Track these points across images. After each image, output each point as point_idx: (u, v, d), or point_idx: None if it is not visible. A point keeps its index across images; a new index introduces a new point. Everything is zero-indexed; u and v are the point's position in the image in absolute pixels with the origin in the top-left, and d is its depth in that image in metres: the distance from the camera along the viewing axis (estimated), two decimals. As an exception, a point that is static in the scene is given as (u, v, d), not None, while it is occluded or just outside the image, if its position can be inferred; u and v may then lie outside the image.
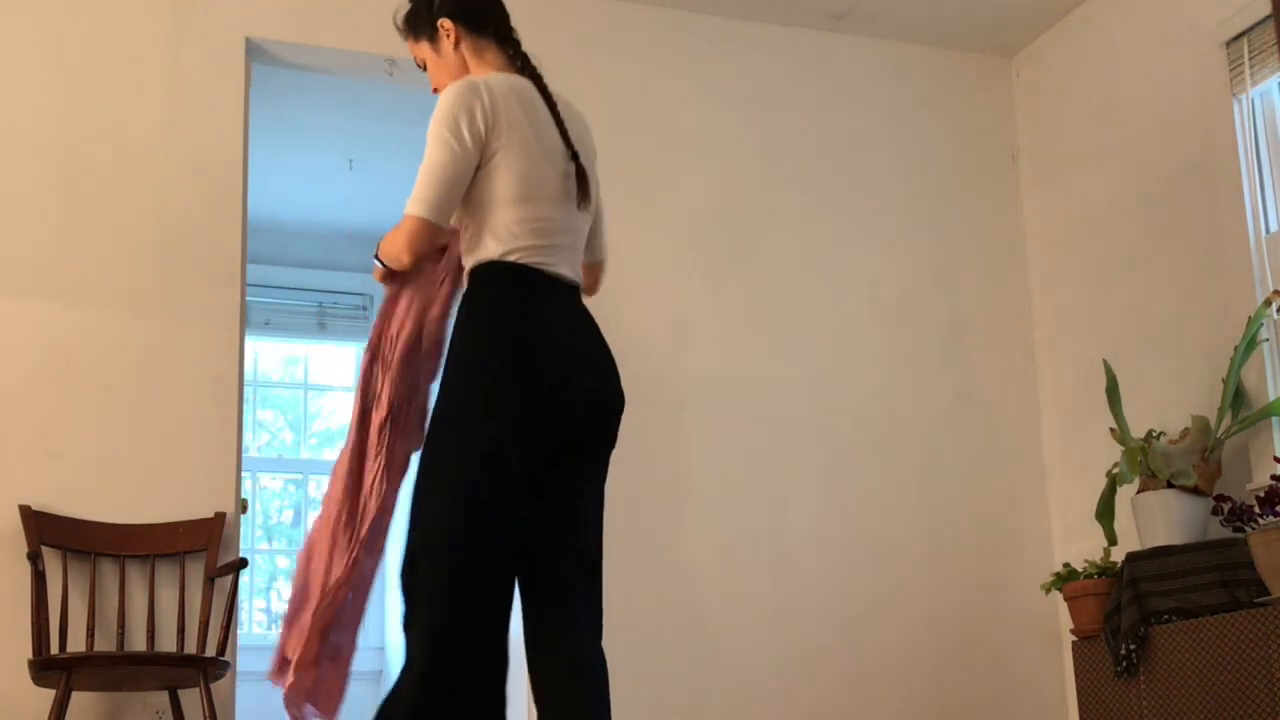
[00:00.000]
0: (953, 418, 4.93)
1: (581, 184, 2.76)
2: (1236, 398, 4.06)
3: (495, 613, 2.55)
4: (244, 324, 4.26)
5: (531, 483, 2.60)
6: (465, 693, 2.51)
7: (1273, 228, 4.17)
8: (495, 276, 2.66)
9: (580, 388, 2.67)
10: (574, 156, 2.78)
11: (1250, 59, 4.21)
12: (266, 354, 6.97)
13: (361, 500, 2.68)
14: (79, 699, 3.71)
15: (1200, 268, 4.36)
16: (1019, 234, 5.20)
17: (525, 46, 2.89)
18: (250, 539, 6.54)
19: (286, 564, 6.88)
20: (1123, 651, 3.90)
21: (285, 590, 6.87)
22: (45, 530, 3.81)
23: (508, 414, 2.55)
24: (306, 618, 2.62)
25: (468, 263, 2.71)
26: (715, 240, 4.80)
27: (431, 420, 2.64)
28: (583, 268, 2.89)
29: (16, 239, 4.05)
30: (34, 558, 3.69)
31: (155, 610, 3.89)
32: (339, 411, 6.98)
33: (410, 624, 2.55)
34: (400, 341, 2.74)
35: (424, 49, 2.88)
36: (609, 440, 2.78)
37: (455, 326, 2.69)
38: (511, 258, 2.65)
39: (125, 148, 4.20)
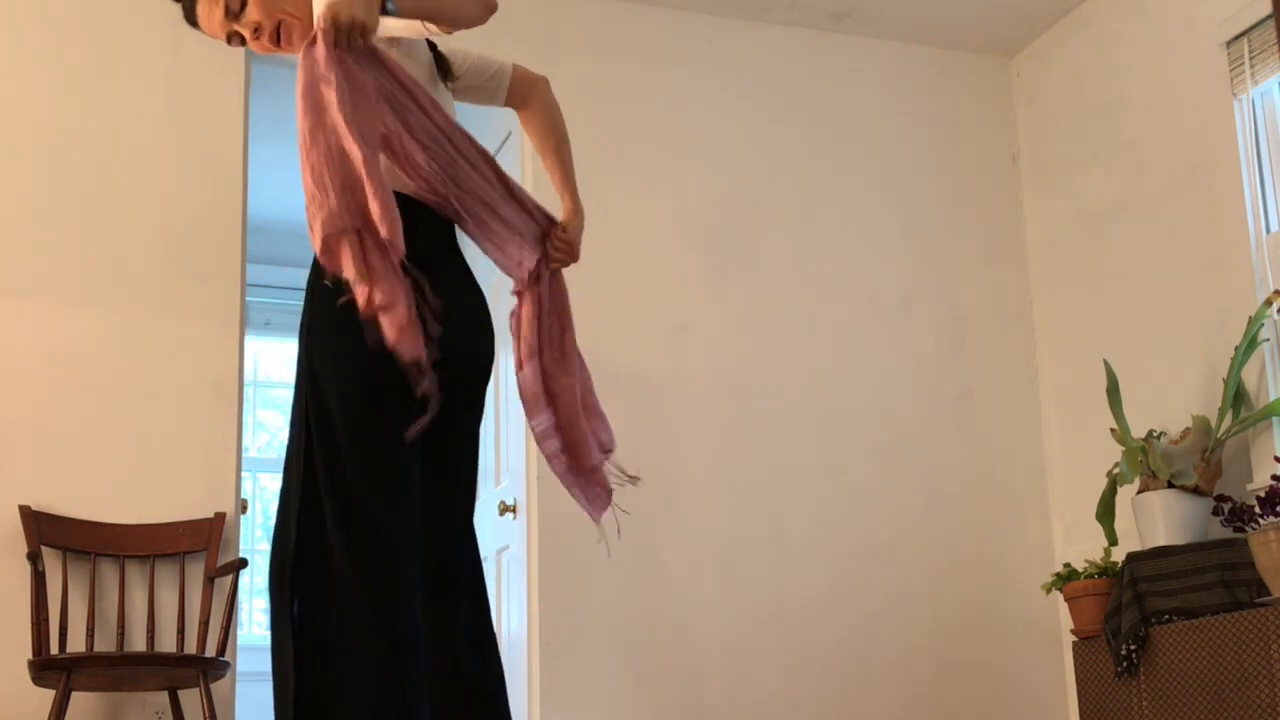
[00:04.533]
0: (953, 418, 4.93)
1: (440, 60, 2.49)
2: (1237, 398, 4.06)
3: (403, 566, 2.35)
4: (244, 324, 4.26)
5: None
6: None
7: (1273, 228, 4.17)
8: None
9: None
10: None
11: (1250, 59, 4.21)
12: (266, 354, 6.97)
13: None
14: (79, 699, 3.71)
15: (1200, 268, 4.36)
16: (1019, 234, 5.20)
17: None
18: (250, 539, 6.54)
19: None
20: (1123, 651, 3.90)
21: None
22: (45, 530, 3.81)
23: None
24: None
25: None
26: (715, 240, 4.80)
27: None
28: (517, 96, 2.65)
29: (17, 239, 4.04)
30: (34, 558, 3.69)
31: (155, 610, 3.89)
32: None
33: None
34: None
35: None
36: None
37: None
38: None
39: (126, 148, 4.20)
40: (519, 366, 2.64)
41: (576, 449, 2.66)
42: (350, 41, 2.23)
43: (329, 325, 2.39)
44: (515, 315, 2.65)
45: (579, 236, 2.67)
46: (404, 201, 2.38)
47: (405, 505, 2.40)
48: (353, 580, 2.33)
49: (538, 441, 2.66)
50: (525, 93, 2.69)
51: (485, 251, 2.62)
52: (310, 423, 2.44)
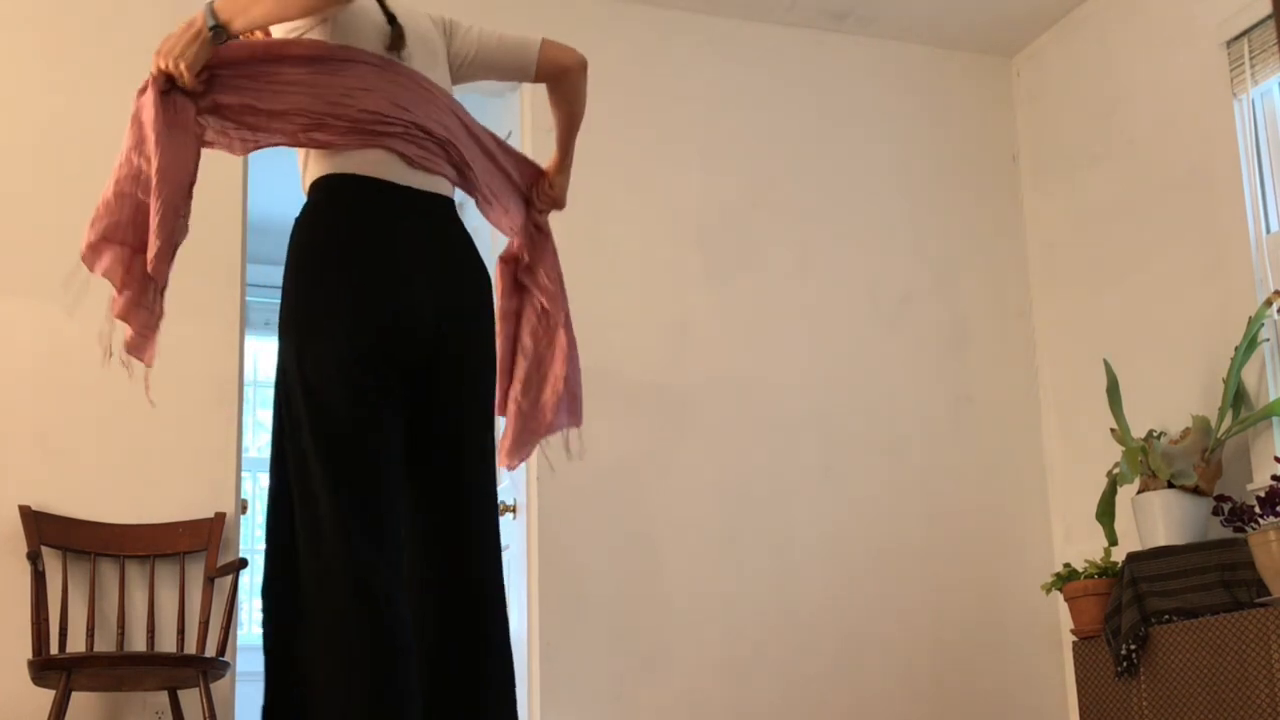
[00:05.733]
0: (953, 418, 4.93)
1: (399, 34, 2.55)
2: (1237, 398, 4.06)
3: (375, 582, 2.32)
4: (244, 324, 4.26)
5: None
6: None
7: (1273, 228, 4.17)
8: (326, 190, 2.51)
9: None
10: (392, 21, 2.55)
11: (1250, 59, 4.21)
12: (266, 354, 6.97)
13: None
14: (79, 699, 3.71)
15: (1200, 268, 4.36)
16: (1019, 234, 5.20)
17: None
18: (250, 539, 6.54)
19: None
20: (1123, 651, 3.90)
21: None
22: (45, 530, 3.81)
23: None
24: None
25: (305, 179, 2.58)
26: (715, 240, 4.80)
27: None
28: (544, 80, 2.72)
29: (17, 239, 4.04)
30: (34, 558, 3.69)
31: (155, 610, 3.89)
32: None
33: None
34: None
35: None
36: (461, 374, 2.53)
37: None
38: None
39: (125, 148, 4.20)
40: (542, 315, 2.79)
41: (572, 406, 2.79)
42: (178, 81, 2.39)
43: (298, 329, 2.41)
44: (510, 262, 2.80)
45: (563, 190, 2.81)
46: (366, 181, 2.44)
47: (377, 508, 2.37)
48: (321, 585, 2.32)
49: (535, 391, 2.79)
50: (553, 76, 2.74)
51: (481, 210, 2.72)
52: (284, 424, 2.45)
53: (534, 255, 2.79)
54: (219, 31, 2.38)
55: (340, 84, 2.44)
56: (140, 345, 2.53)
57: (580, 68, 2.73)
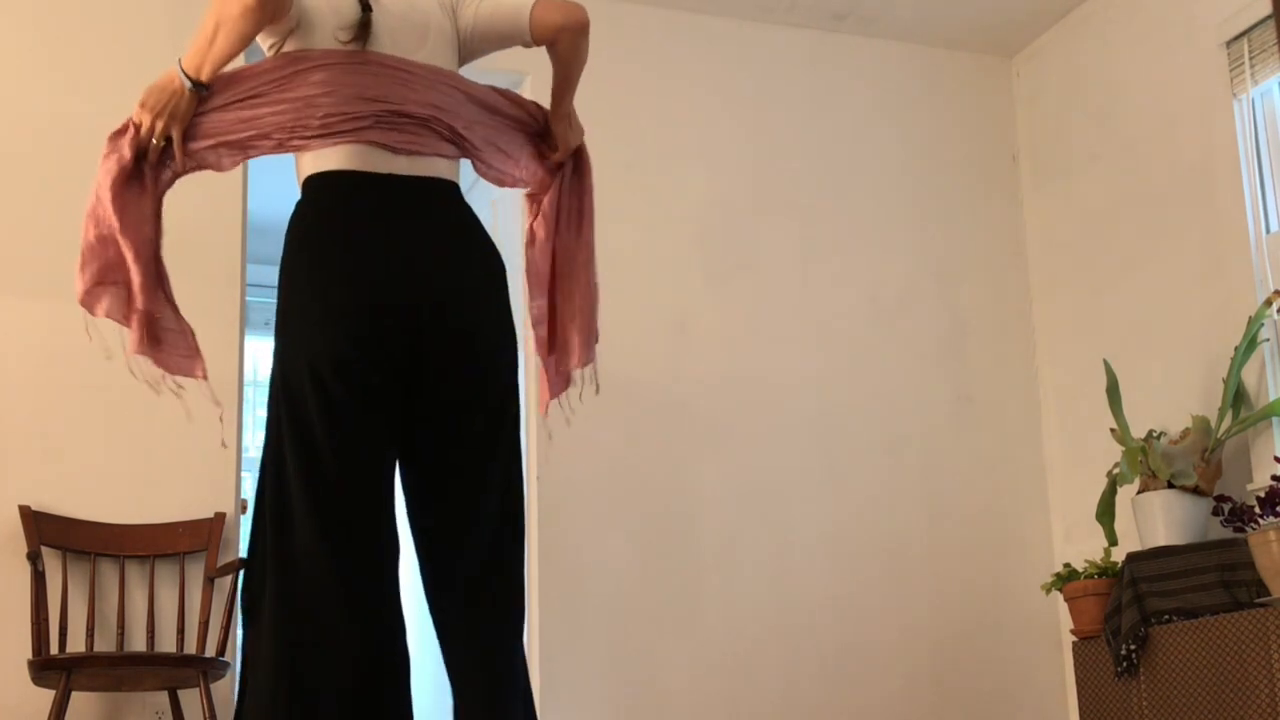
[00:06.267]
0: (953, 418, 4.93)
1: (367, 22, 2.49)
2: (1237, 398, 4.06)
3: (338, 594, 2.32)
4: (244, 324, 4.26)
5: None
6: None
7: (1273, 228, 4.17)
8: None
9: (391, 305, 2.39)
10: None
11: (1250, 59, 4.21)
12: (266, 354, 6.97)
13: None
14: (79, 699, 3.71)
15: (1200, 268, 4.36)
16: (1019, 234, 5.20)
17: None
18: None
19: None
20: (1123, 652, 3.90)
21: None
22: (45, 530, 3.81)
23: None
24: None
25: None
26: (715, 240, 4.80)
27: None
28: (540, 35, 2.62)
29: (16, 239, 4.05)
30: (34, 558, 3.69)
31: (155, 610, 3.89)
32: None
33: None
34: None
35: None
36: (473, 388, 2.47)
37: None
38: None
39: (125, 148, 4.19)
40: (530, 241, 2.77)
41: (563, 347, 2.81)
42: (158, 142, 2.43)
43: (282, 334, 2.42)
44: (535, 198, 2.78)
45: (561, 137, 2.74)
46: (346, 176, 2.42)
47: (359, 517, 2.37)
48: (296, 595, 2.32)
49: (531, 325, 2.78)
50: (549, 38, 2.62)
51: (482, 174, 2.66)
52: (269, 431, 2.45)
53: (540, 190, 2.77)
54: (198, 86, 2.40)
55: (299, 95, 2.42)
56: (187, 366, 2.55)
57: (576, 27, 2.59)
